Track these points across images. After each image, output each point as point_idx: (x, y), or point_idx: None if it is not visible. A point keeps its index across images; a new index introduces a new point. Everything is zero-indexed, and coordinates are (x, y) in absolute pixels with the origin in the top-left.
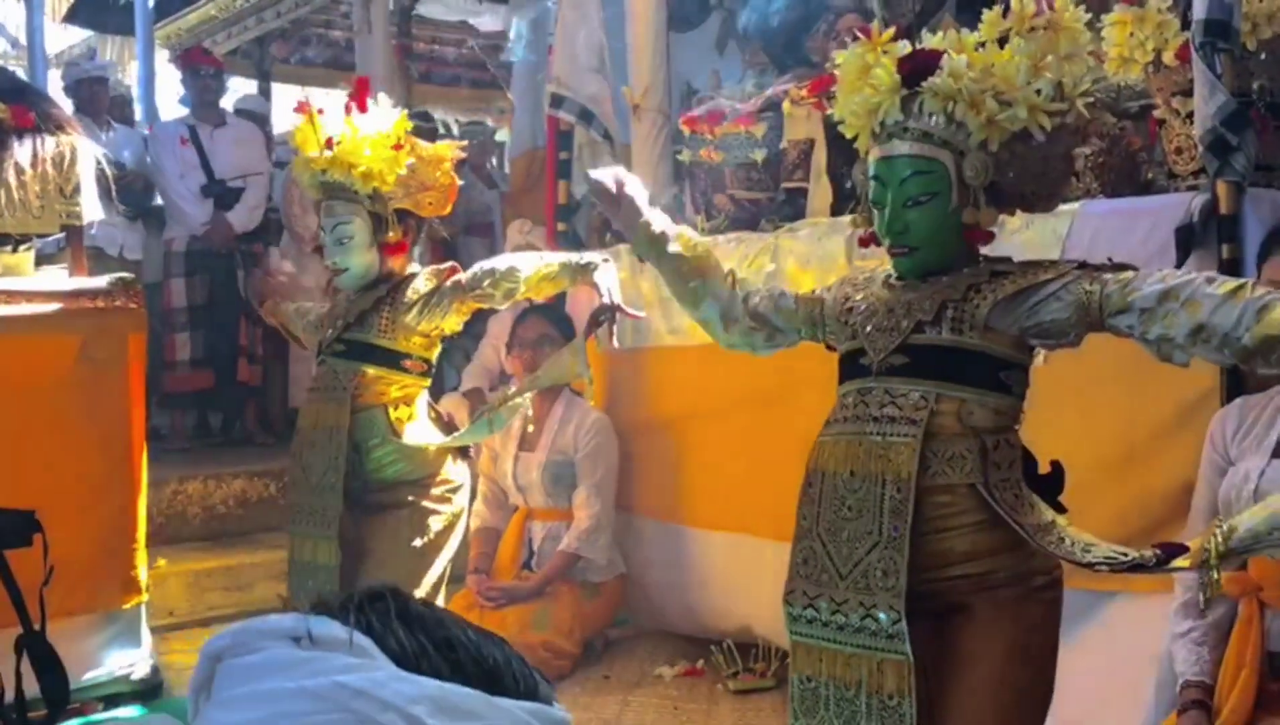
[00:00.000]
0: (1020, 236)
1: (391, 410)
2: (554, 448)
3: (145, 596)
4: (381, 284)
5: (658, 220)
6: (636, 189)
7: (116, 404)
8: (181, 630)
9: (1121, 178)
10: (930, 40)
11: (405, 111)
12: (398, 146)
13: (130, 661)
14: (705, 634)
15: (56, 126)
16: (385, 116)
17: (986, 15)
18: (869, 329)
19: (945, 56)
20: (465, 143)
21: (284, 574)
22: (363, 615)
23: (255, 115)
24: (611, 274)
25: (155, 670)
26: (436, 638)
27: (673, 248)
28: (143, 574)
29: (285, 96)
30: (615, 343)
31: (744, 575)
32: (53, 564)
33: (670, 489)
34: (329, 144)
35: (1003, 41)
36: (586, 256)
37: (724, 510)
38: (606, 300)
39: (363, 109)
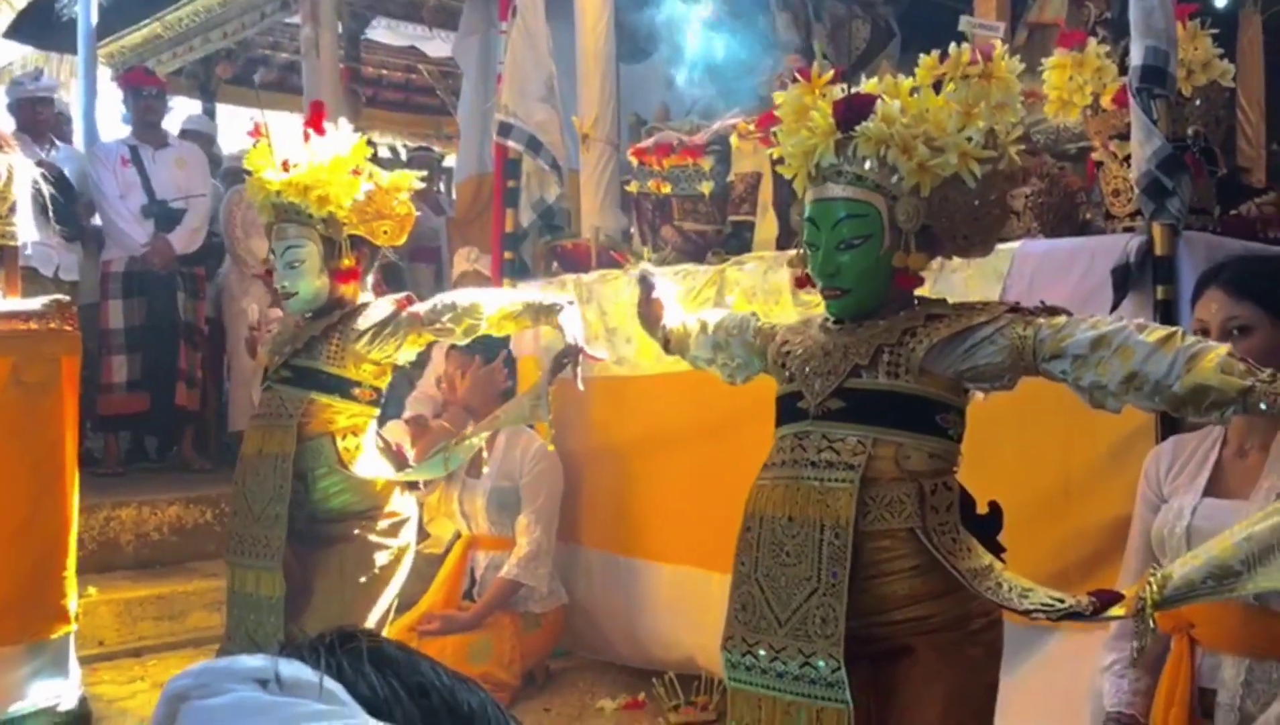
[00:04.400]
0: (962, 274)
1: (339, 439)
2: (500, 474)
3: (74, 626)
4: (333, 311)
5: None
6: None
7: (48, 429)
8: (111, 660)
9: (1060, 218)
10: (866, 84)
11: (364, 138)
12: (356, 172)
13: (57, 693)
14: (649, 665)
15: None
16: (344, 141)
17: (923, 60)
18: (806, 372)
19: (879, 101)
20: (424, 173)
21: (219, 604)
22: (333, 658)
23: (201, 136)
24: (576, 316)
25: (83, 701)
26: (410, 683)
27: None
28: (72, 603)
29: (230, 118)
30: (581, 386)
31: (689, 607)
32: None
33: (616, 520)
34: (285, 166)
35: (938, 87)
36: (550, 297)
37: (670, 542)
38: (570, 342)
39: (319, 132)
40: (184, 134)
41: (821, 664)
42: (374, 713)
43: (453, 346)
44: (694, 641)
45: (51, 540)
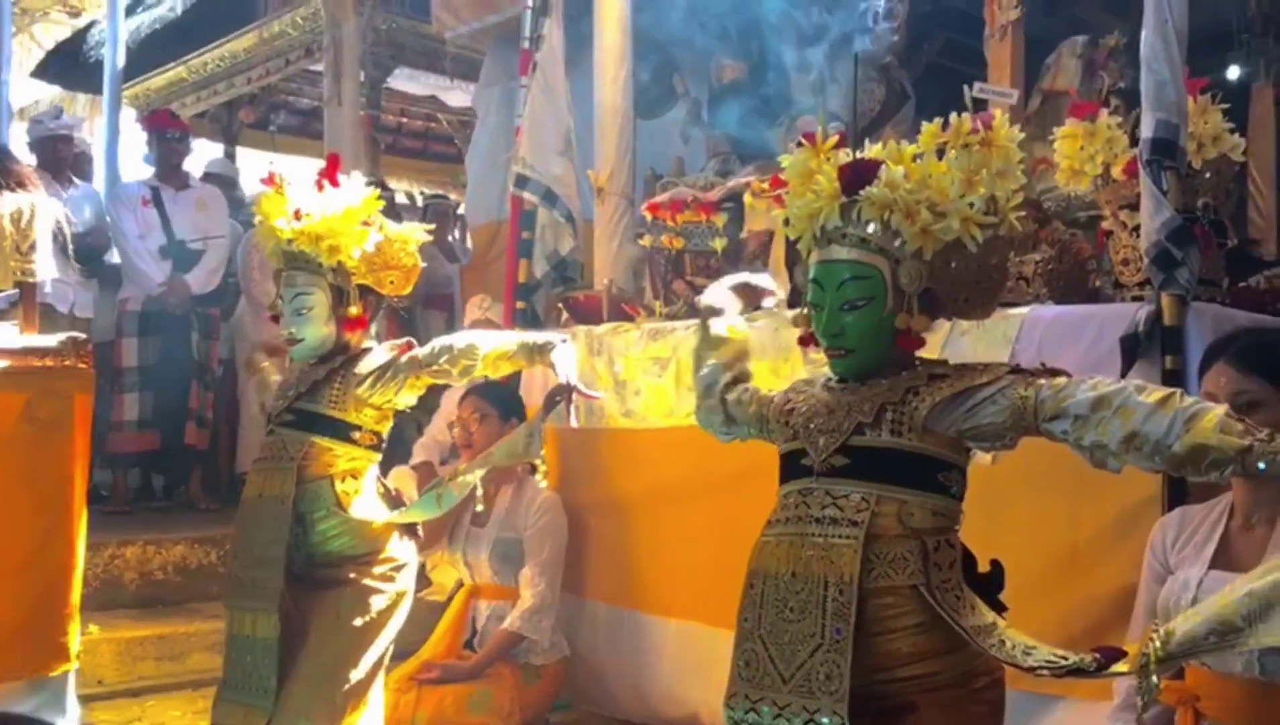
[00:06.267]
0: (969, 337)
1: (338, 482)
2: (505, 524)
3: (74, 664)
4: (336, 356)
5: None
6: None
7: (58, 466)
8: (110, 700)
9: (1070, 285)
10: (871, 150)
11: (377, 190)
12: (366, 223)
13: None
14: (653, 721)
15: (17, 183)
16: (356, 192)
17: (925, 127)
18: (810, 429)
19: (883, 166)
20: (432, 226)
21: (219, 646)
22: None
23: (223, 179)
24: (569, 354)
25: None
26: None
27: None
28: (74, 641)
29: (251, 162)
30: (574, 422)
31: (695, 663)
32: None
33: (622, 573)
34: (296, 214)
35: (941, 153)
36: (544, 336)
37: (676, 597)
38: (564, 380)
39: (334, 183)
40: (206, 176)
41: (826, 721)
42: None
43: (468, 392)
44: (699, 698)
45: (57, 576)
